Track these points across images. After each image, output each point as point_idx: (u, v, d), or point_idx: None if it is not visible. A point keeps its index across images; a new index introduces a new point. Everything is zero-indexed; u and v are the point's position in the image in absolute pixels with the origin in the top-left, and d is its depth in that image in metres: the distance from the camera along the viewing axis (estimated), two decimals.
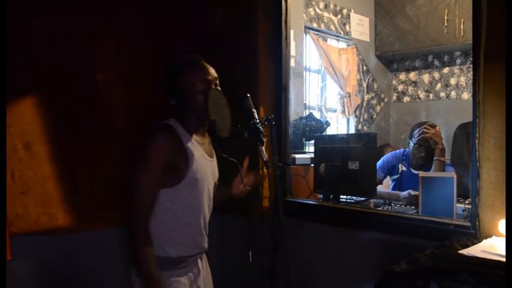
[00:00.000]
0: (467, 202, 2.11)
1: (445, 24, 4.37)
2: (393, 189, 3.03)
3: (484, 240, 1.54)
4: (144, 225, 1.62)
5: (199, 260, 1.82)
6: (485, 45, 1.67)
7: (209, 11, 2.69)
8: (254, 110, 1.70)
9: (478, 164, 1.67)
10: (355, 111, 4.75)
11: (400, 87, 5.26)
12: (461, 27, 4.25)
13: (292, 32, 3.18)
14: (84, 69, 2.22)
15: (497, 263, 1.26)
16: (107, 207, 2.19)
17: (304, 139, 3.01)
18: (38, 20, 2.07)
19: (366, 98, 4.97)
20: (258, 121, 1.67)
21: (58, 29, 2.13)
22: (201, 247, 1.80)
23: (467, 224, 1.74)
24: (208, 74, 1.71)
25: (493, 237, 1.56)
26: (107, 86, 2.27)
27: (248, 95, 1.73)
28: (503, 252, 1.34)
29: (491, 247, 1.43)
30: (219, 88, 1.73)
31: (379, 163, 3.09)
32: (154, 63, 1.77)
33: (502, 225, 1.55)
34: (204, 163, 1.73)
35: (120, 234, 1.80)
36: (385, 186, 3.16)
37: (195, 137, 1.73)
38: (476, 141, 1.68)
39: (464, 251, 1.38)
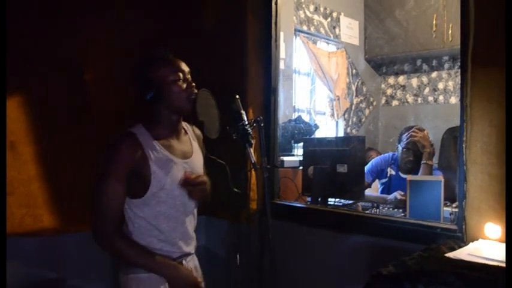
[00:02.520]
0: (454, 205, 2.12)
1: (434, 29, 4.40)
2: (382, 192, 3.05)
3: (471, 243, 1.54)
4: (113, 230, 1.62)
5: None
6: (472, 50, 1.69)
7: (199, 12, 2.68)
8: (243, 112, 1.69)
9: (465, 167, 1.68)
10: (344, 115, 4.77)
11: (389, 91, 5.29)
12: (449, 32, 4.28)
13: (282, 34, 3.18)
14: (71, 69, 2.19)
15: (483, 266, 1.27)
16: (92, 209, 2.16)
17: (292, 142, 3.01)
18: (23, 19, 2.05)
19: (354, 101, 4.99)
20: (246, 123, 1.66)
21: (44, 28, 2.11)
22: (181, 251, 1.76)
23: (454, 227, 1.75)
24: (179, 66, 1.70)
25: (479, 240, 1.57)
26: (94, 86, 2.24)
27: (237, 96, 1.72)
28: (489, 256, 1.35)
29: (478, 250, 1.44)
30: (206, 89, 1.72)
31: (367, 167, 3.10)
32: None
33: (488, 228, 1.56)
34: (173, 167, 1.69)
35: None
36: (374, 190, 3.17)
37: (163, 140, 1.70)
38: (464, 145, 1.69)
39: (451, 254, 1.39)
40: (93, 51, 2.25)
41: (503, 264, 1.25)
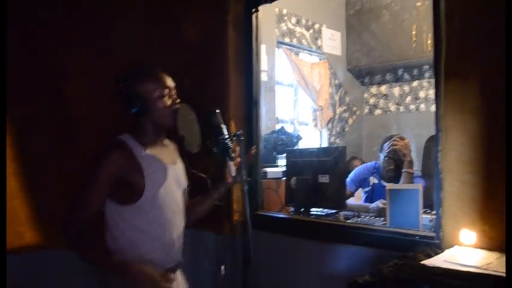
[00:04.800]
0: (434, 213, 2.15)
1: (414, 39, 4.50)
2: (365, 201, 3.08)
3: (446, 250, 1.57)
4: (79, 232, 1.63)
5: (173, 276, 1.78)
6: (445, 62, 1.73)
7: (180, 28, 2.71)
8: (223, 126, 1.72)
9: (441, 175, 1.72)
10: (327, 124, 4.82)
11: (372, 100, 5.36)
12: (428, 42, 4.37)
13: (264, 46, 3.22)
14: (52, 84, 2.20)
15: (458, 272, 1.29)
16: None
17: (275, 153, 3.04)
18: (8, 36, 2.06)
19: (338, 111, 5.05)
20: (227, 137, 1.69)
21: (26, 45, 2.12)
22: (174, 260, 1.77)
23: (432, 234, 1.78)
24: (164, 82, 1.71)
25: (455, 246, 1.61)
26: (76, 102, 2.26)
27: (217, 110, 1.75)
28: (464, 262, 1.38)
29: (453, 257, 1.47)
30: (186, 103, 1.74)
31: (350, 176, 3.13)
32: None
33: (463, 235, 1.60)
34: (164, 172, 1.71)
35: None
36: (358, 199, 3.20)
37: (151, 147, 1.72)
38: (439, 154, 1.73)
39: (427, 262, 1.41)
40: (74, 66, 2.27)
41: (477, 270, 1.29)
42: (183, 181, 1.84)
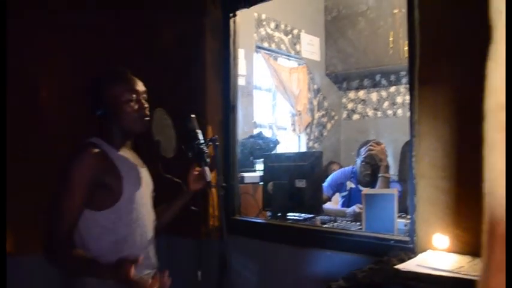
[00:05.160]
0: (409, 217, 2.18)
1: (391, 45, 4.56)
2: (342, 205, 3.10)
3: (420, 254, 1.59)
4: (63, 243, 1.53)
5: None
6: (419, 68, 1.76)
7: (156, 31, 2.69)
8: (198, 131, 1.71)
9: (414, 181, 1.75)
10: (305, 129, 4.84)
11: (350, 105, 5.41)
12: (405, 48, 4.43)
13: (243, 51, 3.22)
14: (25, 92, 2.16)
15: (430, 276, 1.31)
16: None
17: (251, 158, 3.04)
18: None
19: (316, 115, 5.08)
20: (202, 142, 1.68)
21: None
22: (151, 265, 1.74)
23: (407, 238, 1.81)
24: (135, 85, 1.66)
25: (429, 250, 1.63)
26: (49, 108, 2.22)
27: (193, 115, 1.74)
28: (436, 266, 1.40)
29: (426, 261, 1.48)
30: (161, 108, 1.73)
31: (328, 180, 3.15)
32: None
33: (436, 239, 1.62)
34: (137, 174, 1.68)
35: None
36: (335, 203, 3.22)
37: (122, 150, 1.68)
38: (413, 159, 1.76)
39: (401, 266, 1.43)
40: (47, 71, 2.23)
41: (448, 274, 1.30)
42: (151, 184, 1.81)
